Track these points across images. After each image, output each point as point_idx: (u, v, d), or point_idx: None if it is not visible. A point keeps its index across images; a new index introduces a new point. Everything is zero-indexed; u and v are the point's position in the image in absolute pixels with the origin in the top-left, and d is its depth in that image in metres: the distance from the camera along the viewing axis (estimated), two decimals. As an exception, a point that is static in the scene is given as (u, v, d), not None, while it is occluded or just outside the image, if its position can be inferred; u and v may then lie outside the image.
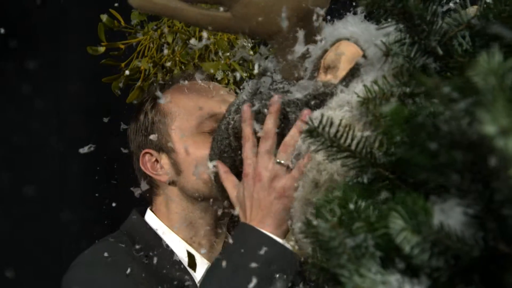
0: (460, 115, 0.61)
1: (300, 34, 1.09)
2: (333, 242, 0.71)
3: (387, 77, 0.96)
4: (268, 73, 1.16)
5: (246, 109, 1.16)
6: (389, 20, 0.91)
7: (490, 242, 0.65)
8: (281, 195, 1.12)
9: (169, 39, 1.44)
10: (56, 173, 2.22)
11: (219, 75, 1.41)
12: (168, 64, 1.43)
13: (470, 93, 0.58)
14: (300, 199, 1.07)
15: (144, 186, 1.40)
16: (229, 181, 1.21)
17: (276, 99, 1.13)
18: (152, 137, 1.35)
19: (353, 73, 1.05)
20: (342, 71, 1.06)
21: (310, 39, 1.11)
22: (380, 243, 0.69)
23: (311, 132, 0.84)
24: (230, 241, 1.17)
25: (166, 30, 1.42)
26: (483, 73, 0.56)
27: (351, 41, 1.09)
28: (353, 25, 1.10)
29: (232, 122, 1.21)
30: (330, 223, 0.72)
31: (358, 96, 0.97)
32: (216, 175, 1.24)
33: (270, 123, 1.14)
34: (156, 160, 1.37)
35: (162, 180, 1.37)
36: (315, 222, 0.74)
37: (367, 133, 0.99)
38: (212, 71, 1.40)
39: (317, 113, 1.06)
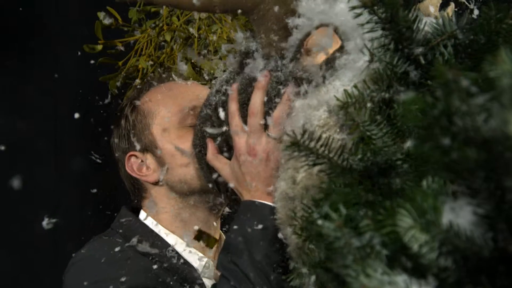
0: (476, 110, 0.60)
1: (277, 9, 1.09)
2: (338, 243, 0.70)
3: (366, 81, 0.96)
4: (250, 50, 1.18)
5: (233, 88, 1.19)
6: (376, 26, 0.91)
7: (500, 243, 0.63)
8: (278, 166, 1.14)
9: (168, 37, 1.42)
10: (51, 172, 2.20)
11: (219, 74, 1.40)
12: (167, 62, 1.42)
13: (489, 89, 0.57)
14: (281, 192, 1.08)
15: (131, 191, 1.40)
16: (218, 160, 1.23)
17: (263, 76, 1.15)
18: (136, 138, 1.35)
19: (328, 62, 1.05)
20: (320, 58, 1.06)
21: (289, 16, 1.11)
22: (386, 242, 0.67)
23: (294, 144, 0.85)
24: (240, 216, 1.18)
25: (164, 28, 1.41)
26: (507, 72, 0.54)
27: (332, 28, 1.08)
28: (340, 9, 1.09)
29: (213, 103, 1.22)
30: (335, 223, 0.71)
31: (338, 100, 0.97)
32: (201, 159, 1.26)
33: (258, 99, 1.16)
34: (142, 162, 1.37)
35: (150, 181, 1.36)
36: (319, 222, 0.73)
37: (342, 136, 0.99)
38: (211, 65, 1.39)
39: (291, 120, 1.07)
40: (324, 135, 0.98)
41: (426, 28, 0.92)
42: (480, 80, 0.58)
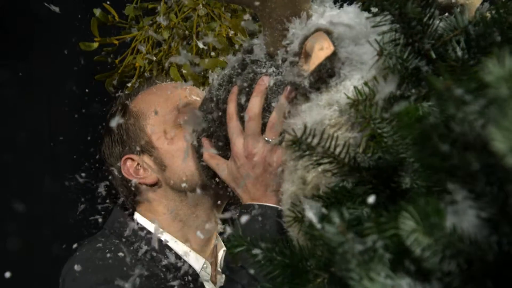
0: (473, 117, 0.59)
1: (283, 9, 1.08)
2: (341, 248, 0.69)
3: (377, 79, 0.95)
4: (254, 48, 1.18)
5: (233, 90, 1.19)
6: (385, 18, 0.90)
7: (505, 247, 0.62)
8: (276, 168, 1.16)
9: (165, 35, 1.41)
10: (48, 172, 2.19)
11: (217, 72, 1.39)
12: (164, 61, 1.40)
13: (483, 95, 0.56)
14: (289, 194, 1.07)
15: (126, 196, 1.39)
16: (215, 159, 1.23)
17: (263, 80, 1.15)
18: (130, 141, 1.34)
19: (320, 69, 1.04)
20: (312, 64, 1.06)
21: (295, 14, 1.10)
22: (390, 245, 0.67)
23: (295, 143, 0.84)
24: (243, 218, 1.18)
25: (162, 25, 1.39)
26: (494, 81, 0.53)
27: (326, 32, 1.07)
28: (341, 17, 1.08)
29: (214, 98, 1.23)
30: (338, 228, 0.70)
31: (348, 97, 0.96)
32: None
33: (256, 103, 1.16)
34: (138, 164, 1.36)
35: (149, 182, 1.35)
36: (319, 226, 0.72)
37: (354, 134, 0.98)
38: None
39: (299, 121, 1.06)
40: (330, 133, 0.97)
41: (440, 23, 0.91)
42: (475, 85, 0.58)
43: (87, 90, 1.50)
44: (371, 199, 0.76)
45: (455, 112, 0.60)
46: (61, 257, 1.34)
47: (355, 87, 0.95)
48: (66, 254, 1.32)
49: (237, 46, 1.39)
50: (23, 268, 2.16)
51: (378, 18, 0.90)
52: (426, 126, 0.63)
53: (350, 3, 1.10)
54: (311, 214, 0.74)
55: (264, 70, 1.16)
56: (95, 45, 1.47)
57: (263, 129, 1.17)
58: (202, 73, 1.42)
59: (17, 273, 2.16)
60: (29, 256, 2.19)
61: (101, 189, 1.39)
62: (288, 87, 1.11)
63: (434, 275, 0.64)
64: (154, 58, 1.40)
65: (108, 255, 1.25)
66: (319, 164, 0.84)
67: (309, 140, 0.83)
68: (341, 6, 1.11)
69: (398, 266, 0.66)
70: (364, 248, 0.66)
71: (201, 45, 1.35)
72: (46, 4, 1.45)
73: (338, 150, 0.84)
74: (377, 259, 0.66)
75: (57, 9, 1.44)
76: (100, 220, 1.41)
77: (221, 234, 1.44)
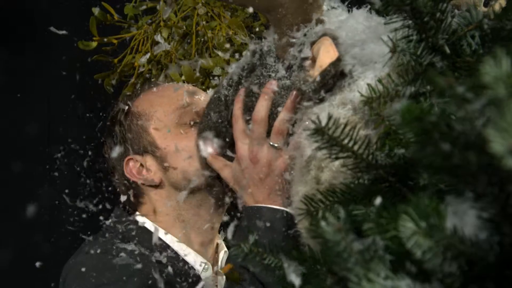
0: (474, 115, 0.59)
1: (295, 16, 1.08)
2: (339, 247, 0.68)
3: (391, 75, 0.94)
4: (264, 51, 1.18)
5: (240, 92, 1.20)
6: (397, 15, 0.89)
7: (506, 247, 0.62)
8: (280, 173, 1.15)
9: (165, 34, 1.40)
10: (45, 171, 2.19)
11: (217, 72, 1.38)
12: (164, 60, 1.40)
13: (484, 93, 0.56)
14: (301, 195, 1.05)
15: (128, 198, 1.38)
16: (218, 161, 1.23)
17: (271, 84, 1.15)
18: (133, 141, 1.34)
19: (324, 75, 1.04)
20: (316, 70, 1.06)
21: (306, 21, 1.11)
22: (390, 246, 0.66)
23: (318, 131, 0.82)
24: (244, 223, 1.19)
25: (161, 24, 1.39)
26: (491, 81, 0.52)
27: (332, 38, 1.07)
28: (349, 22, 1.08)
29: (222, 98, 1.22)
30: (335, 227, 0.69)
31: (362, 95, 0.95)
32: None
33: (263, 107, 1.16)
34: (141, 165, 1.35)
35: (152, 182, 1.35)
36: (322, 223, 0.71)
37: (368, 131, 0.97)
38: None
39: (323, 113, 1.05)
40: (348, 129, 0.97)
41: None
42: (474, 86, 0.57)
43: (86, 90, 1.49)
44: (378, 200, 0.75)
45: (456, 110, 0.59)
46: (60, 259, 1.34)
47: (368, 85, 0.94)
48: (62, 256, 1.32)
49: (237, 52, 1.39)
50: (22, 270, 2.16)
51: (389, 15, 0.89)
52: (427, 124, 0.63)
53: (359, 7, 1.09)
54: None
55: (272, 74, 1.16)
56: (94, 44, 1.46)
57: (268, 133, 1.17)
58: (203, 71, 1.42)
59: (17, 274, 2.16)
60: (28, 258, 2.19)
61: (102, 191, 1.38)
62: (294, 92, 1.11)
63: (435, 277, 0.64)
64: (147, 68, 1.39)
65: (109, 256, 1.24)
66: (337, 158, 0.83)
67: (332, 130, 0.82)
68: (350, 6, 1.11)
69: (399, 267, 0.65)
70: (363, 248, 0.65)
71: (221, 54, 1.35)
72: (52, 29, 1.44)
73: (357, 144, 0.84)
74: (376, 259, 0.65)
75: (64, 32, 1.44)
76: (99, 220, 1.40)
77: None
